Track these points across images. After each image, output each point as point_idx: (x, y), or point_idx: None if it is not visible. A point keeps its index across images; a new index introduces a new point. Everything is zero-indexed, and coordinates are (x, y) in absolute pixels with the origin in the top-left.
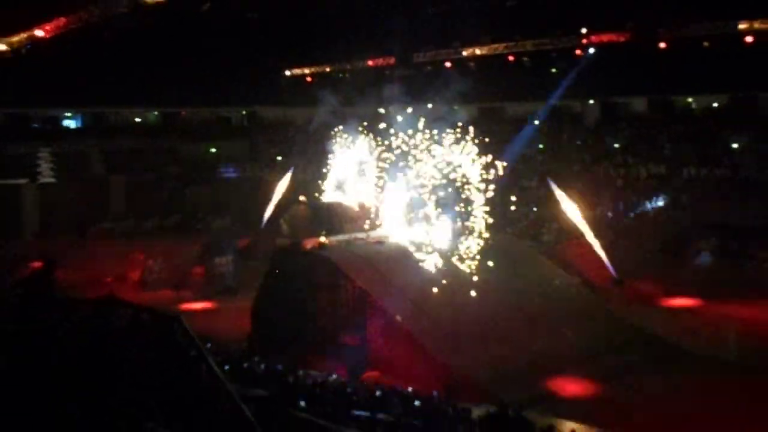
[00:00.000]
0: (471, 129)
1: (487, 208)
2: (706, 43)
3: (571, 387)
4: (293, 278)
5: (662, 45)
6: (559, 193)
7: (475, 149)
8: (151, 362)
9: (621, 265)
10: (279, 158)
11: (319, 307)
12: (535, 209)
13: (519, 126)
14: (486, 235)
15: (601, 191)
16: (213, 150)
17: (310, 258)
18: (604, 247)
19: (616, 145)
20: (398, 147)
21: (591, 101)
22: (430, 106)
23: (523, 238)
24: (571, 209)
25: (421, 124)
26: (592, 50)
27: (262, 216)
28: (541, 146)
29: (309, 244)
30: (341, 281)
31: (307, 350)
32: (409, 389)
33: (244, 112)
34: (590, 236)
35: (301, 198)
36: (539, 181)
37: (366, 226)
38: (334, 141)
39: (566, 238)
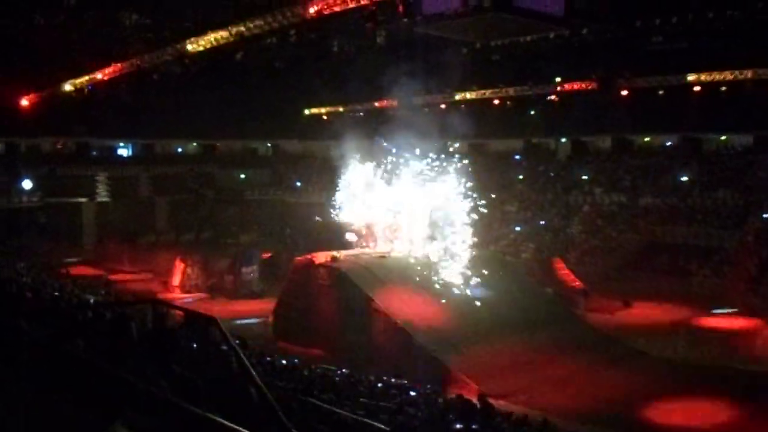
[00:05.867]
0: (462, 162)
1: (474, 229)
2: (660, 92)
3: (542, 382)
4: (309, 286)
5: (624, 92)
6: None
7: (465, 179)
8: (194, 354)
9: (587, 278)
10: (299, 184)
11: (330, 310)
12: (517, 229)
13: (501, 160)
14: (473, 251)
15: (571, 216)
16: (242, 176)
17: (323, 269)
18: (573, 263)
19: (584, 177)
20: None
21: (563, 139)
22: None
23: (505, 254)
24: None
25: (419, 157)
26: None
27: (284, 232)
28: (520, 177)
29: (323, 257)
30: (350, 289)
31: (320, 347)
32: (405, 382)
33: (269, 145)
34: (561, 254)
35: (317, 218)
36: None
37: (372, 243)
38: (346, 170)
39: (541, 256)
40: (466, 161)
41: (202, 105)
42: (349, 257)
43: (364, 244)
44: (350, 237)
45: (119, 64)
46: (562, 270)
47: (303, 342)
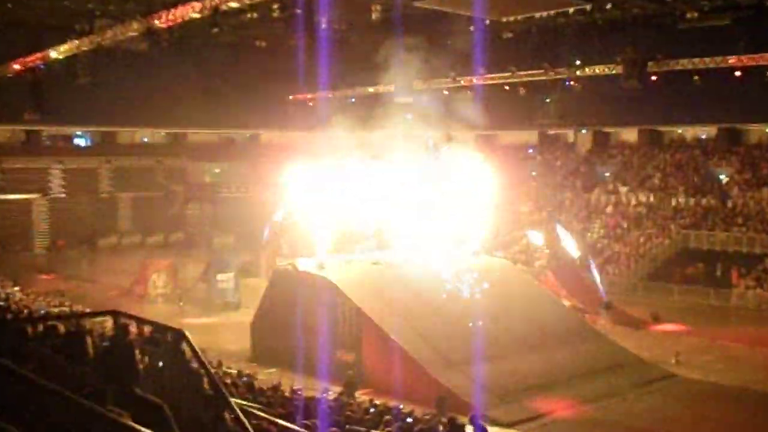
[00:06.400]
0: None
1: (482, 233)
2: (696, 77)
3: (559, 407)
4: (291, 296)
5: (654, 77)
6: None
7: (472, 174)
8: (160, 373)
9: (610, 289)
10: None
11: (316, 324)
12: (527, 234)
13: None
14: (480, 258)
15: (592, 217)
16: (217, 170)
17: (309, 277)
18: (594, 272)
19: (607, 174)
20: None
21: (583, 130)
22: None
23: (516, 261)
24: (566, 237)
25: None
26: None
27: (263, 235)
28: (534, 173)
29: (308, 263)
30: (338, 299)
31: (303, 365)
32: (401, 407)
33: (248, 134)
34: (583, 262)
35: (302, 219)
36: (534, 207)
37: (364, 247)
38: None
39: (558, 263)
40: (472, 155)
41: (172, 88)
42: (338, 264)
43: (354, 248)
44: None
45: (76, 41)
46: (582, 280)
47: (285, 358)
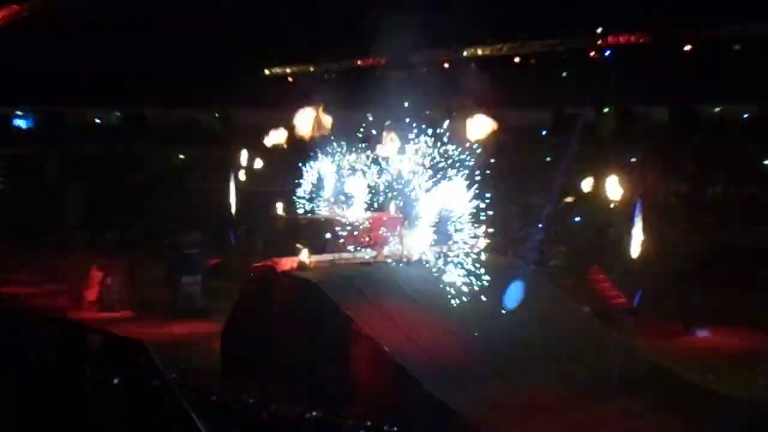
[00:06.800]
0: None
1: (489, 229)
2: (737, 47)
3: (578, 429)
4: (269, 302)
5: (687, 48)
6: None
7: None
8: (115, 391)
9: (635, 292)
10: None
11: (297, 334)
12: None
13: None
14: (486, 258)
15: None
16: (181, 156)
17: (288, 280)
18: (618, 273)
19: (633, 159)
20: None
21: (605, 109)
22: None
23: (528, 261)
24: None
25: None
26: (608, 52)
27: (234, 231)
28: (548, 158)
29: (287, 263)
30: (322, 306)
31: (284, 381)
32: (395, 429)
33: (217, 115)
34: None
35: (280, 212)
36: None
37: (355, 245)
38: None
39: (576, 263)
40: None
41: (128, 62)
42: (323, 264)
43: (344, 246)
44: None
45: (15, 6)
46: (604, 282)
47: (261, 374)
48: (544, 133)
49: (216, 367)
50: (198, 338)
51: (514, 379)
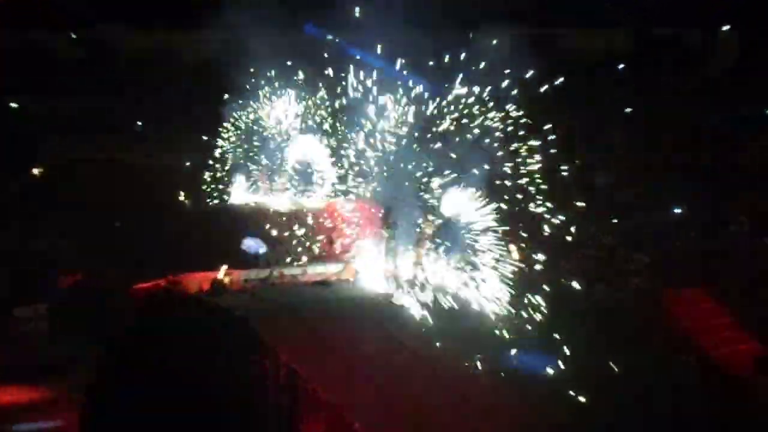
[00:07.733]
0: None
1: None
2: None
3: None
4: (166, 345)
5: None
6: None
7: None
8: None
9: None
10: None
11: (211, 398)
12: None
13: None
14: (518, 276)
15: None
16: (20, 109)
17: (198, 309)
18: (738, 300)
19: None
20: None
21: (725, 26)
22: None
23: (589, 279)
24: None
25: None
26: None
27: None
28: (628, 109)
29: (193, 283)
30: (253, 352)
31: None
32: None
33: (74, 36)
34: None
35: (184, 198)
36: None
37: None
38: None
39: (667, 281)
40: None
41: None
42: (250, 284)
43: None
44: (253, 244)
45: None
46: (716, 316)
47: None
48: (621, 66)
49: None
50: (42, 408)
51: None
